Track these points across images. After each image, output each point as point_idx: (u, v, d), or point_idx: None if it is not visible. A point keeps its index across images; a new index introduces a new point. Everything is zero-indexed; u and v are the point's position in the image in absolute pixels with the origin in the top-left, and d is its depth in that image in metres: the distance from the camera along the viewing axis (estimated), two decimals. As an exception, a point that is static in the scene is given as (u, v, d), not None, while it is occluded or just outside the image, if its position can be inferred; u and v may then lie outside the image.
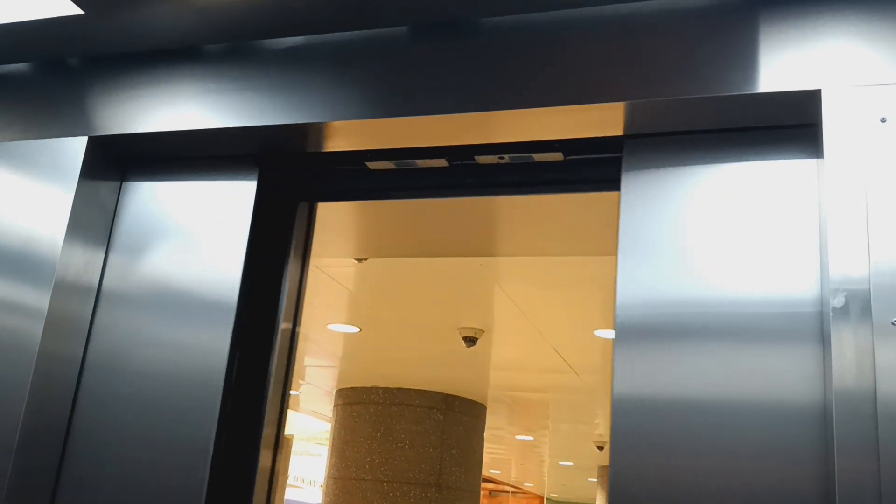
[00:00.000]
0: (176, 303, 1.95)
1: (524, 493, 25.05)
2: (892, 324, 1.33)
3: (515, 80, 1.68)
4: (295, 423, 12.71)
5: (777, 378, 1.46)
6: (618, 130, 1.70)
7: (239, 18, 1.85)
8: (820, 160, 1.52)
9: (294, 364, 2.02)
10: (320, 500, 7.37)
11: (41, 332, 1.87)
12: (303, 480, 21.21)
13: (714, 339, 1.52)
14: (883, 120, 1.43)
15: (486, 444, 7.53)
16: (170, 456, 1.80)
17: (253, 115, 1.88)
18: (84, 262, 2.02)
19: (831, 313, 1.38)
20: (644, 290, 1.59)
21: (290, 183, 2.07)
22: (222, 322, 1.85)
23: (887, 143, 1.42)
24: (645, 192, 1.65)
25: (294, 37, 1.92)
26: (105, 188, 2.08)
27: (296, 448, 15.40)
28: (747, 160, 1.61)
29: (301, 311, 2.05)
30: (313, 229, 2.11)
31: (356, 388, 7.06)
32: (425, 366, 6.24)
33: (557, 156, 1.78)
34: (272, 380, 1.92)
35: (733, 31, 1.57)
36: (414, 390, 6.80)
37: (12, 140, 2.11)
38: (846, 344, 1.36)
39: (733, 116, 1.59)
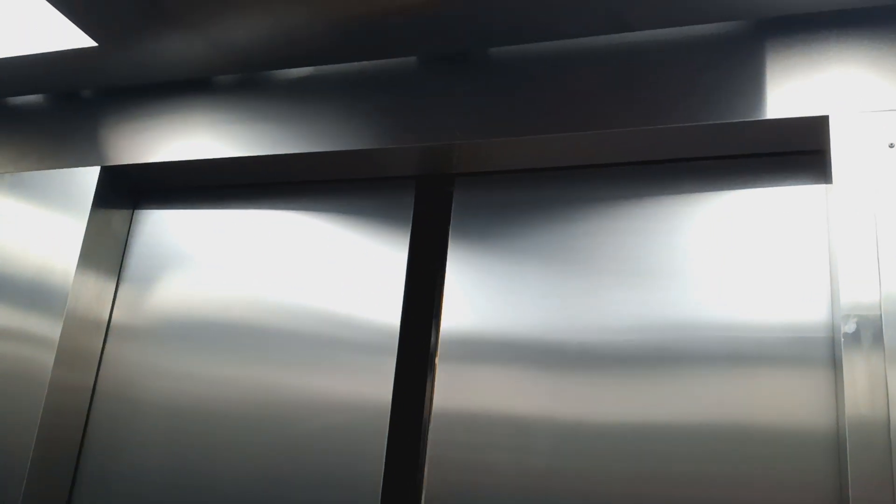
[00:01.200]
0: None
1: None
2: (905, 350, 1.32)
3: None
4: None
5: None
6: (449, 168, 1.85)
7: (250, 50, 1.88)
8: (828, 186, 1.52)
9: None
10: None
11: (52, 362, 1.89)
12: None
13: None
14: (891, 145, 1.43)
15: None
16: (338, 493, 1.72)
17: (265, 145, 1.90)
18: (97, 292, 2.03)
19: (843, 339, 1.37)
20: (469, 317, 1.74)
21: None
22: (384, 355, 1.78)
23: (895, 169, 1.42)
24: (472, 229, 1.81)
25: (304, 67, 1.95)
26: (117, 217, 2.11)
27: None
28: (754, 187, 1.61)
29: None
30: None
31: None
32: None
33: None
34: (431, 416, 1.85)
35: (740, 59, 1.58)
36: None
37: (26, 171, 2.14)
38: (858, 370, 1.35)
39: (740, 143, 1.60)
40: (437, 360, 1.73)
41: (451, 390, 1.69)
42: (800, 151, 1.59)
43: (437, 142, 1.72)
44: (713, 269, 1.59)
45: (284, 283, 1.92)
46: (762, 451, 1.45)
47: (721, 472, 1.47)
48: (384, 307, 1.81)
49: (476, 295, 1.76)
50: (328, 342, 1.82)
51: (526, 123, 1.66)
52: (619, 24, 1.64)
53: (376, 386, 1.75)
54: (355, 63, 1.90)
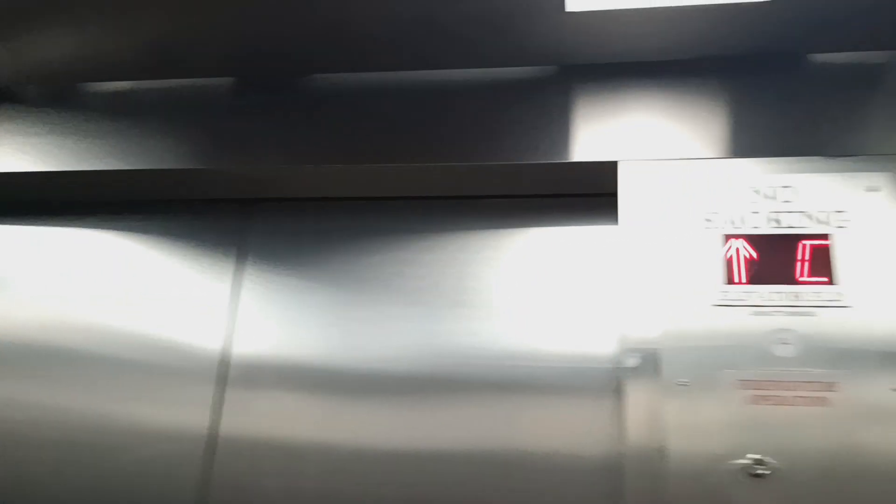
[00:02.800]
0: None
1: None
2: (678, 384, 1.39)
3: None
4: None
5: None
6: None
7: (58, 62, 1.78)
8: (617, 227, 1.60)
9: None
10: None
11: None
12: None
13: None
14: (674, 192, 1.53)
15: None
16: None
17: (76, 161, 1.80)
18: None
19: (624, 372, 1.43)
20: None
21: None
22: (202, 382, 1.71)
23: (679, 215, 1.51)
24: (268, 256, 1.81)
25: (121, 82, 1.87)
26: None
27: None
28: (552, 226, 1.69)
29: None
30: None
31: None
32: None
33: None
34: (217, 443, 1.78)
35: (545, 103, 1.65)
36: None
37: None
38: (638, 403, 1.41)
39: (541, 183, 1.67)
40: (226, 386, 1.70)
41: (237, 417, 1.68)
42: (595, 194, 1.67)
43: (244, 167, 1.70)
44: (508, 301, 1.64)
45: (96, 305, 1.82)
46: (546, 477, 1.49)
47: (502, 499, 1.50)
48: (205, 333, 1.75)
49: (267, 322, 1.75)
50: (141, 367, 1.75)
51: (332, 152, 1.67)
52: (433, 62, 1.68)
53: (193, 414, 1.69)
54: (173, 80, 1.84)
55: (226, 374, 1.71)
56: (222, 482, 1.62)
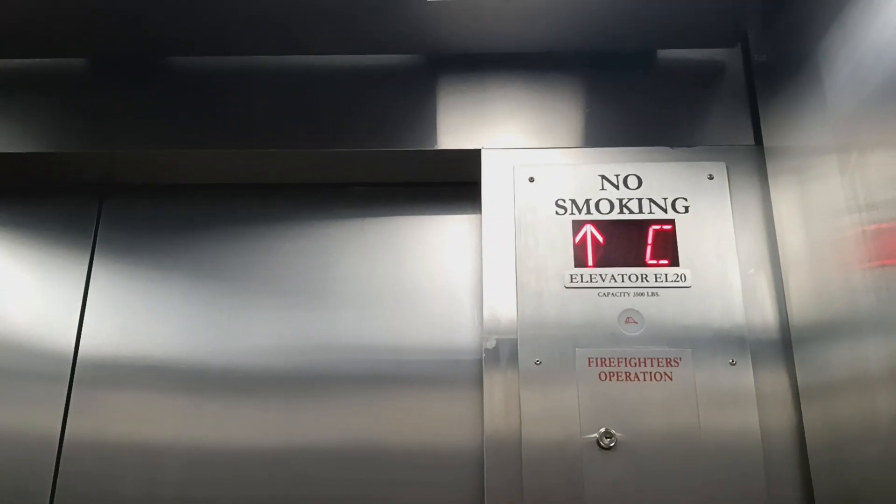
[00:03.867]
0: None
1: None
2: (535, 363, 1.42)
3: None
4: None
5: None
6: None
7: None
8: (480, 216, 1.63)
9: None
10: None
11: None
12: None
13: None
14: (531, 180, 1.57)
15: None
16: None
17: None
18: None
19: (484, 356, 1.45)
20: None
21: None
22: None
23: (535, 202, 1.55)
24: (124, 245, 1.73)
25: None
26: None
27: None
28: (418, 214, 1.70)
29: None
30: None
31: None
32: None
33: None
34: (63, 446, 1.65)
35: (411, 91, 1.66)
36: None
37: None
38: (496, 387, 1.43)
39: (406, 171, 1.68)
40: (73, 386, 1.60)
41: (85, 417, 1.58)
42: (459, 182, 1.69)
43: (97, 150, 1.63)
44: (373, 292, 1.64)
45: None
46: (413, 472, 1.50)
47: (369, 494, 1.49)
48: (58, 329, 1.65)
49: (118, 315, 1.66)
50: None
51: (190, 136, 1.62)
52: (295, 47, 1.66)
53: (44, 417, 1.58)
54: (24, 60, 1.74)
55: (74, 373, 1.62)
56: (73, 488, 1.53)
